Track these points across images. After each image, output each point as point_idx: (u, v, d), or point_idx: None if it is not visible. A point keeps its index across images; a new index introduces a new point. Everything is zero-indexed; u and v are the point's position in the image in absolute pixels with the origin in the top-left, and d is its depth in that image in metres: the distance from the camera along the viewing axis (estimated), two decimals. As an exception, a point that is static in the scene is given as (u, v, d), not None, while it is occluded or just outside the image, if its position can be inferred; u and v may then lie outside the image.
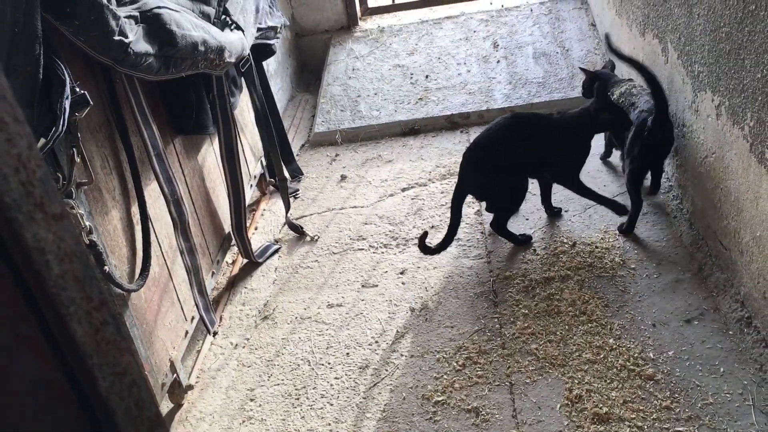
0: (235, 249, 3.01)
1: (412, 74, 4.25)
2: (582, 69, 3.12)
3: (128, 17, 1.82)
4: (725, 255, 2.36)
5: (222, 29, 2.45)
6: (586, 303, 2.43)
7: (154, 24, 1.92)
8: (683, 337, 2.23)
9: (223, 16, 2.53)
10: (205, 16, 2.36)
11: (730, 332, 2.21)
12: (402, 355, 2.39)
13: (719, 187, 2.34)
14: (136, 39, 1.84)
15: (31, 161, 0.35)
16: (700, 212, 2.58)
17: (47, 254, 0.34)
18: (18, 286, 0.34)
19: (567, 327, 2.35)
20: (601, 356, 2.21)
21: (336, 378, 2.34)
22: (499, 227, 2.80)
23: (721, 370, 2.09)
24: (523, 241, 2.80)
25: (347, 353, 2.44)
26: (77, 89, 1.67)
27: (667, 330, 2.27)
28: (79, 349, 0.36)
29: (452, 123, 3.90)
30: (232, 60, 2.51)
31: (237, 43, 2.52)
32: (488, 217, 3.00)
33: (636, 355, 2.19)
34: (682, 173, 2.75)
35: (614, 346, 2.24)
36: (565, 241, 2.77)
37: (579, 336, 2.30)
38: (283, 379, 2.38)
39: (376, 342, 2.47)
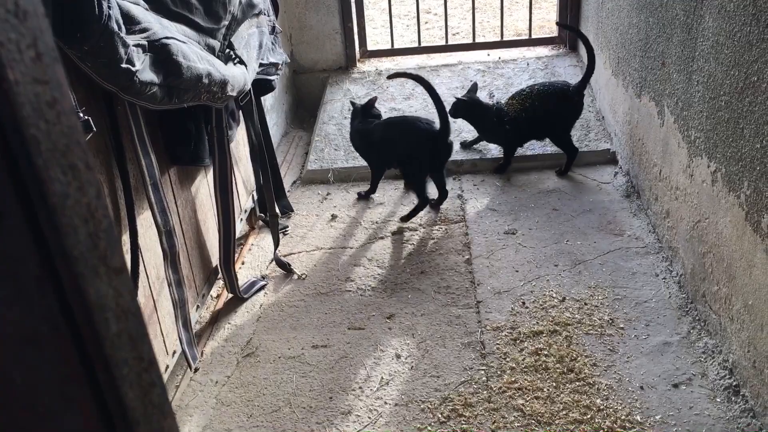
0: (221, 283, 2.96)
1: (407, 118, 4.27)
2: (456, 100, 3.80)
3: (137, 45, 1.81)
4: (714, 320, 2.36)
5: (225, 63, 2.45)
6: (574, 360, 2.41)
7: (161, 54, 1.91)
8: (671, 401, 2.22)
9: (228, 50, 2.53)
10: (210, 49, 2.36)
11: (718, 399, 2.20)
12: (386, 402, 2.35)
13: (711, 253, 2.36)
14: (142, 68, 1.83)
15: (99, 211, 0.33)
16: (690, 275, 2.59)
17: (107, 312, 0.32)
18: (75, 345, 0.32)
19: (554, 384, 2.32)
20: (588, 416, 2.18)
21: (318, 423, 2.29)
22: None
23: (709, 437, 2.07)
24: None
25: (330, 397, 2.39)
26: (81, 114, 1.65)
27: (655, 393, 2.25)
28: (128, 414, 0.33)
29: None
30: (234, 94, 2.51)
31: (240, 77, 2.52)
32: (477, 265, 2.99)
33: (623, 417, 2.17)
34: (673, 235, 2.77)
35: (602, 407, 2.21)
36: (554, 295, 2.76)
37: (566, 394, 2.28)
38: (262, 421, 2.31)
39: (360, 388, 2.42)
